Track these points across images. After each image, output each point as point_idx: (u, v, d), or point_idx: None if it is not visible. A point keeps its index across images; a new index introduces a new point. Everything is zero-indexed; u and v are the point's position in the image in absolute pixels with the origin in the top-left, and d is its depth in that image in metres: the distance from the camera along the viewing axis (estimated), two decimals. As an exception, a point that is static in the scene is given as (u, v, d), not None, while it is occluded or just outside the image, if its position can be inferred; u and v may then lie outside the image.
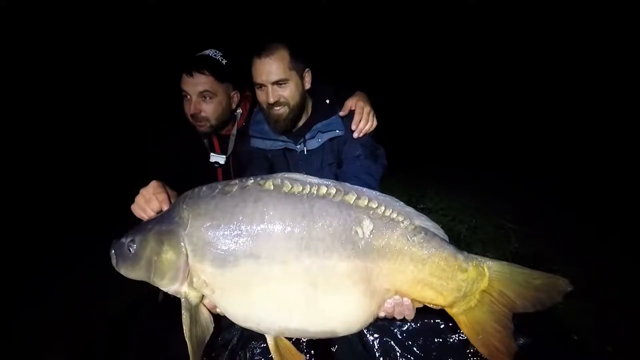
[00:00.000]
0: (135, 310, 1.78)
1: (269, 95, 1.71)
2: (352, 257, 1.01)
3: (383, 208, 1.05)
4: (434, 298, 1.07)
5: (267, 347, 1.32)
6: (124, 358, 1.58)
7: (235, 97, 1.99)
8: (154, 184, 1.35)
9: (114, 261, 1.13)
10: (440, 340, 1.44)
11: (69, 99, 5.03)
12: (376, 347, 1.47)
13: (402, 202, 1.11)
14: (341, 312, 1.04)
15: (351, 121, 1.80)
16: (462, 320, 1.09)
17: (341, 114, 1.83)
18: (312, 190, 1.04)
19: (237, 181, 1.08)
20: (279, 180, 1.06)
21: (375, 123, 1.84)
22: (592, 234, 3.17)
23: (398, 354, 1.44)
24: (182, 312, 1.05)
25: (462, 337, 1.40)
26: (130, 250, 1.09)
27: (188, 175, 1.78)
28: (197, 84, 1.84)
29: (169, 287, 1.08)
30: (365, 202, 1.05)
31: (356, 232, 1.02)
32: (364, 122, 1.79)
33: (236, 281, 1.02)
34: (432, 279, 1.05)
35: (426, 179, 4.48)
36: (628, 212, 3.47)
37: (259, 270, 1.00)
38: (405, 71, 7.13)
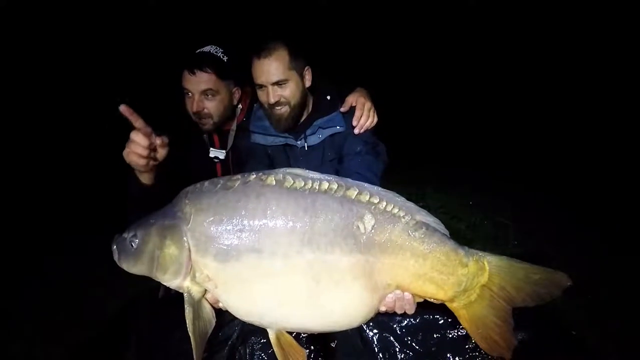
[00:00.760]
0: (136, 305, 1.78)
1: (269, 95, 1.70)
2: (353, 252, 1.02)
3: (384, 203, 1.06)
4: (435, 293, 1.08)
5: (267, 342, 1.33)
6: (125, 354, 1.58)
7: (237, 93, 1.99)
8: (139, 130, 1.32)
9: (115, 256, 1.13)
10: (439, 335, 1.44)
11: (69, 98, 5.02)
12: (375, 343, 1.48)
13: (403, 198, 1.11)
14: (343, 307, 1.05)
15: (352, 117, 1.80)
16: (462, 314, 1.10)
17: (342, 110, 1.83)
18: (314, 185, 1.05)
19: (239, 176, 1.08)
20: (281, 175, 1.06)
21: (376, 119, 1.84)
22: (590, 231, 3.19)
23: (397, 349, 1.45)
24: (185, 306, 1.06)
25: (461, 332, 1.40)
26: (132, 245, 1.09)
27: (187, 170, 1.78)
28: (199, 82, 1.83)
29: (171, 281, 1.08)
30: (367, 198, 1.06)
31: (358, 227, 1.03)
32: (364, 118, 1.79)
33: (238, 276, 1.02)
34: (433, 274, 1.05)
35: (426, 177, 4.50)
36: (627, 209, 3.49)
37: (261, 265, 1.00)
38: (405, 70, 7.13)
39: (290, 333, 1.15)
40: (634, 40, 5.79)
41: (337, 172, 1.80)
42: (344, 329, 1.12)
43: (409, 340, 1.46)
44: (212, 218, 1.03)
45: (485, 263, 1.07)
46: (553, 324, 1.47)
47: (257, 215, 1.01)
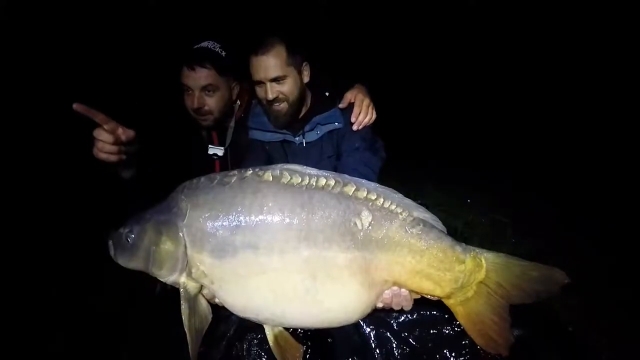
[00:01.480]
0: (133, 301, 1.78)
1: (267, 92, 1.69)
2: (350, 249, 1.02)
3: (382, 200, 1.06)
4: (432, 289, 1.08)
5: (264, 338, 1.33)
6: (123, 349, 1.58)
7: (236, 89, 1.98)
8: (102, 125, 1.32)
9: (111, 251, 1.13)
10: (436, 331, 1.44)
11: (69, 98, 5.02)
12: (372, 339, 1.48)
13: (401, 194, 1.11)
14: (340, 303, 1.04)
15: (350, 113, 1.80)
16: (459, 311, 1.10)
17: (340, 106, 1.82)
18: (311, 181, 1.04)
19: (235, 172, 1.08)
20: (278, 171, 1.06)
21: (374, 116, 1.84)
22: (588, 229, 3.19)
23: (394, 344, 1.45)
24: (181, 302, 1.05)
25: (458, 328, 1.41)
26: (128, 241, 1.08)
27: (185, 167, 1.77)
28: (199, 78, 1.81)
29: (167, 277, 1.08)
30: (364, 194, 1.05)
31: (355, 223, 1.02)
32: (363, 115, 1.79)
33: (235, 272, 1.02)
34: (430, 270, 1.05)
35: (423, 174, 4.50)
36: (624, 208, 3.50)
37: (258, 261, 1.00)
38: (405, 69, 7.12)
39: (287, 329, 1.15)
40: (634, 40, 5.79)
41: (336, 169, 1.80)
42: (340, 325, 1.12)
43: (406, 336, 1.46)
44: (208, 214, 1.02)
45: (483, 260, 1.07)
46: (550, 320, 1.48)
47: (253, 211, 1.00)
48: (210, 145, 2.01)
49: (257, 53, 1.66)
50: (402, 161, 3.80)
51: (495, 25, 7.25)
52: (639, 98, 5.35)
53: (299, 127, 1.83)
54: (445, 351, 1.42)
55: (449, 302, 1.11)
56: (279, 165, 1.08)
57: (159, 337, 1.49)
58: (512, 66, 6.90)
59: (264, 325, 1.12)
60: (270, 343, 1.12)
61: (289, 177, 1.04)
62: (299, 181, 1.04)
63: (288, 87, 1.72)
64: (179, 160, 1.88)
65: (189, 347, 1.04)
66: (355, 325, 1.47)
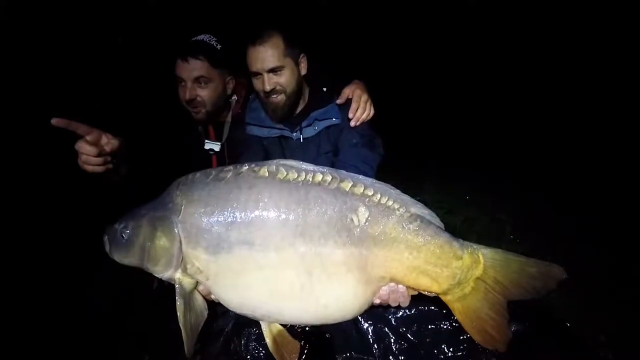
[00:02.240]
0: (131, 296, 1.78)
1: (265, 83, 1.68)
2: (347, 245, 1.01)
3: (379, 196, 1.05)
4: (429, 285, 1.07)
5: (261, 334, 1.33)
6: (121, 344, 1.58)
7: (231, 83, 1.96)
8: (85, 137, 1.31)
9: (107, 247, 1.12)
10: (434, 326, 1.45)
11: (69, 97, 5.00)
12: (370, 334, 1.48)
13: (398, 190, 1.10)
14: (336, 300, 1.04)
15: (348, 109, 1.78)
16: (456, 307, 1.10)
17: (338, 102, 1.81)
18: (308, 177, 1.03)
19: (231, 167, 1.07)
20: (274, 167, 1.05)
21: (372, 112, 1.82)
22: (587, 227, 3.19)
23: (392, 340, 1.45)
24: (176, 298, 1.05)
25: (456, 323, 1.40)
26: (123, 237, 1.08)
27: (182, 162, 1.76)
28: (192, 70, 1.81)
29: (162, 273, 1.07)
30: (361, 190, 1.04)
31: (352, 219, 1.01)
32: (361, 111, 1.77)
33: (230, 268, 1.01)
34: (427, 266, 1.05)
35: (422, 171, 4.49)
36: (623, 205, 3.50)
37: (254, 257, 0.99)
38: (404, 68, 7.10)
39: (284, 325, 1.14)
40: (634, 40, 5.77)
41: (333, 165, 1.79)
42: (337, 321, 1.12)
43: (404, 331, 1.46)
44: (203, 209, 1.01)
45: (480, 256, 1.06)
46: (547, 317, 1.48)
47: (249, 207, 1.00)
48: (207, 140, 2.00)
49: (254, 44, 1.65)
50: (401, 158, 3.79)
51: (496, 25, 7.22)
52: (638, 98, 5.34)
53: (297, 122, 1.82)
54: (443, 346, 1.42)
55: (447, 299, 1.10)
56: (275, 161, 1.07)
57: (157, 333, 1.49)
58: (512, 65, 6.88)
59: (261, 322, 1.11)
60: (267, 340, 1.11)
61: (285, 173, 1.03)
62: (295, 177, 1.03)
63: (285, 78, 1.70)
64: (176, 157, 1.87)
65: (185, 343, 1.04)
66: (354, 321, 1.47)
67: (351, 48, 6.56)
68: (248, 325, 1.46)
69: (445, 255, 1.05)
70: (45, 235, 3.14)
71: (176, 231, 1.03)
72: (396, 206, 1.05)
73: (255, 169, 1.04)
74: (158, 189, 1.18)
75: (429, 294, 1.11)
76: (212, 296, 1.10)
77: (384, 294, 1.09)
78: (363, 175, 1.12)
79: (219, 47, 1.90)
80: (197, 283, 1.08)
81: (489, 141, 5.46)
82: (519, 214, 3.44)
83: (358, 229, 1.01)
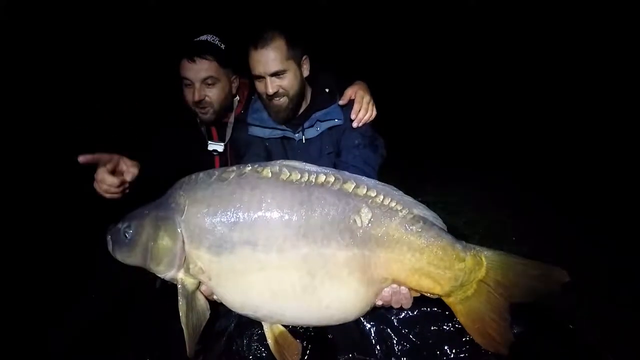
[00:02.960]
0: (133, 296, 1.78)
1: (267, 86, 1.67)
2: (350, 246, 1.01)
3: (382, 197, 1.05)
4: (432, 287, 1.07)
5: (263, 334, 1.32)
6: (122, 344, 1.58)
7: (235, 82, 1.96)
8: (102, 167, 1.36)
9: (109, 247, 1.13)
10: (436, 328, 1.44)
11: (69, 97, 5.02)
12: (372, 335, 1.47)
13: (401, 191, 1.11)
14: (338, 301, 1.04)
15: (350, 110, 1.78)
16: (458, 309, 1.10)
17: (341, 103, 1.80)
18: (311, 178, 1.04)
19: (234, 168, 1.07)
20: (277, 167, 1.05)
21: (374, 113, 1.82)
22: (588, 228, 3.18)
23: (394, 341, 1.45)
24: (179, 298, 1.05)
25: (458, 325, 1.40)
26: (126, 236, 1.08)
27: (185, 163, 1.76)
28: (200, 70, 1.80)
29: (165, 273, 1.08)
30: (364, 191, 1.04)
31: (354, 220, 1.02)
32: (363, 112, 1.77)
33: (233, 268, 1.01)
34: (430, 268, 1.04)
35: (423, 172, 4.48)
36: (625, 206, 3.48)
37: (256, 258, 0.99)
38: (405, 68, 7.10)
39: (286, 326, 1.14)
40: (634, 40, 5.76)
41: (335, 166, 1.78)
42: (339, 323, 1.12)
43: (406, 332, 1.45)
44: (206, 210, 1.02)
45: (483, 258, 1.06)
46: (550, 319, 1.47)
47: (252, 207, 1.00)
48: (210, 141, 2.00)
49: (256, 47, 1.63)
50: (403, 159, 3.79)
51: (496, 25, 7.21)
52: (638, 98, 5.33)
53: (299, 123, 1.81)
54: (445, 348, 1.41)
55: (449, 300, 1.10)
56: (278, 162, 1.08)
57: (158, 333, 1.49)
58: (512, 65, 6.88)
59: (263, 323, 1.12)
60: (269, 340, 1.11)
61: (288, 174, 1.04)
62: (298, 178, 1.03)
63: (288, 82, 1.69)
64: (179, 158, 1.87)
65: (187, 343, 1.04)
66: (356, 322, 1.46)
67: (351, 48, 6.57)
68: (250, 326, 1.46)
69: (448, 257, 1.04)
70: (45, 235, 3.15)
71: (179, 231, 1.03)
72: (399, 207, 1.05)
73: (259, 169, 1.05)
74: (161, 189, 1.19)
75: (431, 295, 1.11)
76: (214, 296, 1.10)
77: (387, 295, 1.09)
78: (365, 176, 1.12)
79: (223, 46, 1.90)
80: (199, 283, 1.08)
81: (490, 142, 5.45)
82: (520, 215, 3.44)
83: (361, 230, 1.02)
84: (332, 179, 1.04)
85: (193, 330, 1.05)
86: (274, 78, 1.67)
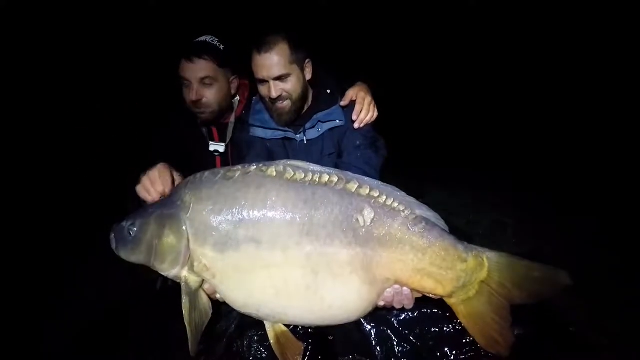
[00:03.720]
0: (134, 297, 1.78)
1: (271, 90, 1.68)
2: (352, 245, 1.02)
3: (384, 197, 1.06)
4: (434, 288, 1.08)
5: (264, 335, 1.33)
6: (123, 345, 1.58)
7: (235, 82, 1.97)
8: (160, 167, 1.35)
9: (113, 245, 1.13)
10: (437, 329, 1.44)
11: (69, 97, 5.03)
12: (373, 336, 1.47)
13: (403, 192, 1.11)
14: (341, 300, 1.04)
15: (352, 111, 1.79)
16: (460, 310, 1.10)
17: (342, 104, 1.81)
18: (314, 177, 1.05)
19: (239, 167, 1.08)
20: (282, 167, 1.06)
21: (376, 114, 1.83)
22: (590, 230, 3.17)
23: (395, 342, 1.44)
24: (182, 296, 1.06)
25: (459, 326, 1.40)
26: (130, 234, 1.08)
27: (187, 164, 1.77)
28: (198, 70, 1.81)
29: (169, 271, 1.08)
30: (367, 191, 1.05)
31: (357, 220, 1.02)
32: (365, 113, 1.78)
33: (237, 266, 1.02)
34: (432, 269, 1.05)
35: (424, 173, 4.48)
36: (626, 207, 3.49)
37: (260, 256, 1.00)
38: (406, 69, 7.12)
39: (288, 327, 1.14)
40: (634, 40, 5.79)
41: (337, 166, 1.79)
42: (342, 323, 1.12)
43: (407, 334, 1.45)
44: (211, 207, 1.02)
45: (485, 259, 1.06)
46: (551, 321, 1.47)
47: (256, 205, 1.01)
48: (211, 142, 2.00)
49: (260, 51, 1.64)
50: (404, 160, 3.79)
51: (496, 25, 7.24)
52: (638, 98, 5.35)
53: (300, 124, 1.82)
54: (446, 349, 1.41)
55: (451, 301, 1.10)
56: (283, 161, 1.09)
57: (161, 333, 1.49)
58: (513, 65, 6.90)
59: (265, 322, 1.12)
60: (271, 340, 1.12)
61: (293, 173, 1.04)
62: (303, 177, 1.04)
63: (291, 85, 1.70)
64: (181, 159, 1.87)
65: (189, 341, 1.04)
66: (356, 323, 1.46)
67: (351, 48, 6.59)
68: (251, 326, 1.46)
69: (450, 257, 1.05)
70: (46, 235, 3.15)
71: (184, 228, 1.04)
72: (401, 208, 1.06)
73: (264, 168, 1.05)
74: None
75: (433, 296, 1.11)
76: (217, 295, 1.11)
77: (389, 296, 1.09)
78: (367, 177, 1.13)
79: (222, 47, 1.91)
80: (202, 282, 1.09)
81: (491, 143, 5.46)
82: (522, 216, 3.43)
83: (363, 230, 1.02)
84: (335, 179, 1.05)
85: (196, 328, 1.05)
86: (277, 82, 1.67)
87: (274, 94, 1.67)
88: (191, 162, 1.84)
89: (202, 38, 1.93)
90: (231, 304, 1.09)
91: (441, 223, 1.11)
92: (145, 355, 1.53)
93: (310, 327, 1.42)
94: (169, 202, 1.08)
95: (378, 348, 1.45)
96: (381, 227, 1.03)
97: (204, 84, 1.83)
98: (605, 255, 2.76)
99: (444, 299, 1.11)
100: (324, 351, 1.44)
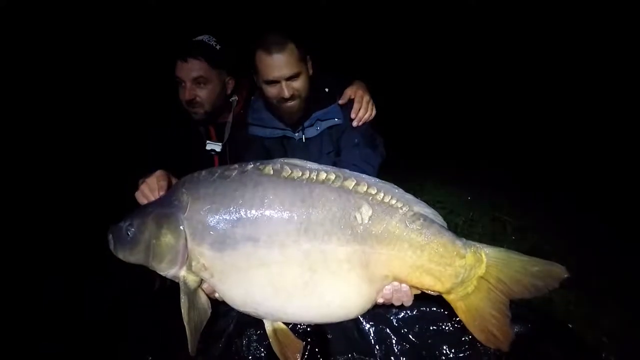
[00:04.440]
0: (132, 297, 1.78)
1: (283, 90, 1.66)
2: (350, 242, 1.01)
3: (382, 194, 1.06)
4: (432, 284, 1.07)
5: (263, 334, 1.33)
6: (121, 345, 1.58)
7: (230, 83, 1.97)
8: (158, 174, 1.37)
9: (111, 245, 1.12)
10: (436, 327, 1.44)
11: (69, 97, 5.02)
12: (372, 335, 1.48)
13: (401, 189, 1.11)
14: (339, 297, 1.04)
15: (350, 110, 1.79)
16: (459, 306, 1.10)
17: (340, 102, 1.82)
18: (312, 175, 1.04)
19: (236, 166, 1.08)
20: (279, 165, 1.06)
21: (374, 112, 1.83)
22: (588, 227, 3.19)
23: (394, 341, 1.45)
24: (181, 296, 1.05)
25: (458, 324, 1.40)
26: (128, 234, 1.08)
27: (184, 164, 1.76)
28: (191, 70, 1.82)
29: (167, 271, 1.08)
30: (365, 188, 1.05)
31: (355, 217, 1.02)
32: (363, 111, 1.78)
33: (235, 265, 1.02)
34: (431, 265, 1.05)
35: (423, 171, 4.49)
36: (624, 203, 3.50)
37: (258, 254, 1.00)
38: (406, 68, 7.13)
39: (287, 325, 1.14)
40: (634, 40, 5.81)
41: (335, 165, 1.78)
42: (340, 320, 1.12)
43: (405, 332, 1.46)
44: (209, 206, 1.02)
45: (483, 255, 1.06)
46: (550, 317, 1.47)
47: (254, 204, 1.00)
48: (208, 141, 2.00)
49: (270, 52, 1.62)
50: (403, 158, 3.80)
51: (496, 24, 7.26)
52: (639, 96, 5.36)
53: (299, 122, 1.82)
54: (445, 347, 1.42)
55: (449, 298, 1.10)
56: (280, 159, 1.09)
57: (159, 333, 1.49)
58: (513, 65, 6.91)
59: (264, 320, 1.12)
60: (270, 338, 1.11)
61: (290, 171, 1.04)
62: (300, 175, 1.04)
63: (301, 83, 1.70)
64: (178, 158, 1.87)
65: (188, 341, 1.04)
66: (355, 322, 1.47)
67: (351, 48, 6.59)
68: (250, 325, 1.46)
69: (449, 254, 1.05)
70: (45, 235, 3.14)
71: (182, 228, 1.04)
72: (399, 205, 1.06)
73: (260, 167, 1.05)
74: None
75: (432, 293, 1.11)
76: (216, 294, 1.11)
77: (388, 293, 1.09)
78: (365, 174, 1.12)
79: (218, 47, 1.90)
80: (201, 281, 1.08)
81: (490, 141, 5.47)
82: (520, 213, 3.44)
83: (361, 227, 1.02)
84: (332, 177, 1.05)
85: (195, 328, 1.05)
86: (288, 81, 1.67)
87: (287, 94, 1.67)
88: (188, 161, 1.84)
89: (199, 38, 1.93)
90: (230, 303, 1.09)
91: (439, 220, 1.11)
92: (145, 354, 1.53)
93: (309, 326, 1.43)
94: (167, 202, 1.08)
95: (377, 346, 1.45)
96: (379, 224, 1.03)
97: (197, 83, 1.84)
98: (604, 253, 2.77)
99: (443, 295, 1.11)
100: (323, 349, 1.45)
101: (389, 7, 7.61)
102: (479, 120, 6.09)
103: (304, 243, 1.00)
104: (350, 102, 1.81)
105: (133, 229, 1.07)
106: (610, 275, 2.46)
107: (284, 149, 1.86)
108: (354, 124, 1.78)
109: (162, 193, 1.32)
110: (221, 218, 1.01)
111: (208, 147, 2.00)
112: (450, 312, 1.34)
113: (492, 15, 7.37)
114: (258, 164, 1.07)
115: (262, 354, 1.45)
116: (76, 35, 5.29)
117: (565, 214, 3.47)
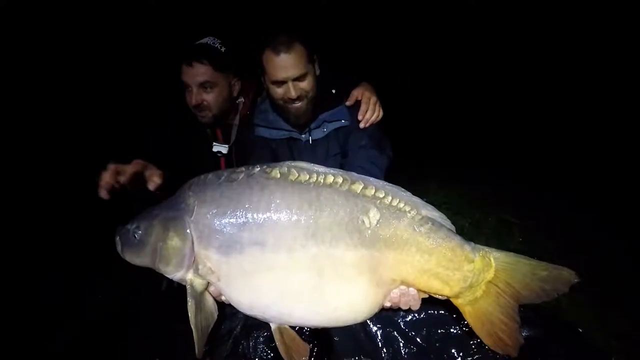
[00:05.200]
0: (139, 298, 1.79)
1: (290, 91, 1.66)
2: (358, 247, 1.01)
3: (390, 198, 1.05)
4: (440, 288, 1.06)
5: (270, 336, 1.33)
6: (128, 346, 1.59)
7: (237, 85, 1.96)
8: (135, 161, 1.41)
9: (118, 247, 1.13)
10: (443, 330, 1.44)
11: (69, 97, 5.05)
12: (379, 338, 1.47)
13: (409, 192, 1.10)
14: (347, 301, 1.04)
15: (357, 111, 1.78)
16: (467, 310, 1.09)
17: (347, 103, 1.81)
18: (319, 179, 1.04)
19: (243, 169, 1.08)
20: (286, 168, 1.05)
21: (381, 113, 1.82)
22: (595, 228, 3.15)
23: (401, 344, 1.44)
24: (188, 299, 1.05)
25: (465, 328, 1.39)
26: (135, 237, 1.08)
27: (190, 165, 1.77)
28: (196, 75, 1.81)
29: (174, 274, 1.08)
30: (372, 192, 1.04)
31: (363, 221, 1.01)
32: (370, 112, 1.77)
33: (242, 269, 1.01)
34: (439, 269, 1.04)
35: (429, 173, 4.47)
36: (631, 206, 3.46)
37: (265, 258, 0.99)
38: (407, 69, 7.11)
39: (293, 328, 1.14)
40: (634, 40, 5.75)
41: (342, 167, 1.78)
42: (347, 324, 1.11)
43: (413, 335, 1.45)
44: (215, 210, 1.02)
45: (492, 259, 1.05)
46: (559, 321, 1.46)
47: (261, 207, 1.00)
48: (214, 143, 2.00)
49: (278, 52, 1.61)
50: (408, 160, 3.78)
51: (497, 24, 7.22)
52: (638, 97, 5.32)
53: (306, 124, 1.82)
54: (452, 351, 1.41)
55: (458, 302, 1.09)
56: (287, 163, 1.08)
57: (166, 335, 1.49)
58: (515, 65, 6.88)
59: (271, 324, 1.11)
60: (277, 341, 1.11)
61: (297, 174, 1.04)
62: (307, 178, 1.03)
63: (308, 84, 1.69)
64: (184, 160, 1.87)
65: (195, 343, 1.04)
66: (363, 325, 1.46)
67: (352, 48, 6.58)
68: (257, 327, 1.46)
69: (457, 258, 1.04)
70: (50, 236, 3.16)
71: (188, 231, 1.03)
72: (407, 208, 1.05)
73: (267, 170, 1.05)
74: (167, 191, 1.19)
75: (440, 297, 1.10)
76: (223, 297, 1.10)
77: (395, 296, 1.09)
78: (372, 177, 1.11)
79: (223, 49, 1.90)
80: (208, 284, 1.08)
81: (495, 142, 5.44)
82: (526, 215, 3.42)
83: (369, 231, 1.01)
84: (340, 180, 1.04)
85: (201, 330, 1.05)
86: (296, 82, 1.66)
87: (294, 94, 1.66)
88: (195, 163, 1.85)
89: (204, 40, 1.92)
90: (236, 306, 1.08)
91: (447, 223, 1.10)
92: (152, 356, 1.54)
93: (316, 329, 1.42)
94: (173, 205, 1.08)
95: (384, 349, 1.45)
96: (387, 228, 1.02)
97: (203, 88, 1.83)
98: (613, 255, 2.74)
99: (451, 299, 1.10)
100: (330, 352, 1.45)
101: (389, 8, 7.59)
102: (484, 121, 6.06)
103: (312, 247, 0.99)
104: (357, 103, 1.80)
105: (140, 232, 1.08)
106: (618, 276, 2.43)
107: (291, 150, 1.85)
108: (361, 125, 1.77)
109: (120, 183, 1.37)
110: (228, 222, 1.00)
111: (215, 149, 2.00)
112: (458, 316, 1.33)
113: (493, 15, 7.33)
114: (265, 167, 1.06)
115: (269, 356, 1.45)
116: (76, 35, 5.31)
117: (572, 214, 3.44)
